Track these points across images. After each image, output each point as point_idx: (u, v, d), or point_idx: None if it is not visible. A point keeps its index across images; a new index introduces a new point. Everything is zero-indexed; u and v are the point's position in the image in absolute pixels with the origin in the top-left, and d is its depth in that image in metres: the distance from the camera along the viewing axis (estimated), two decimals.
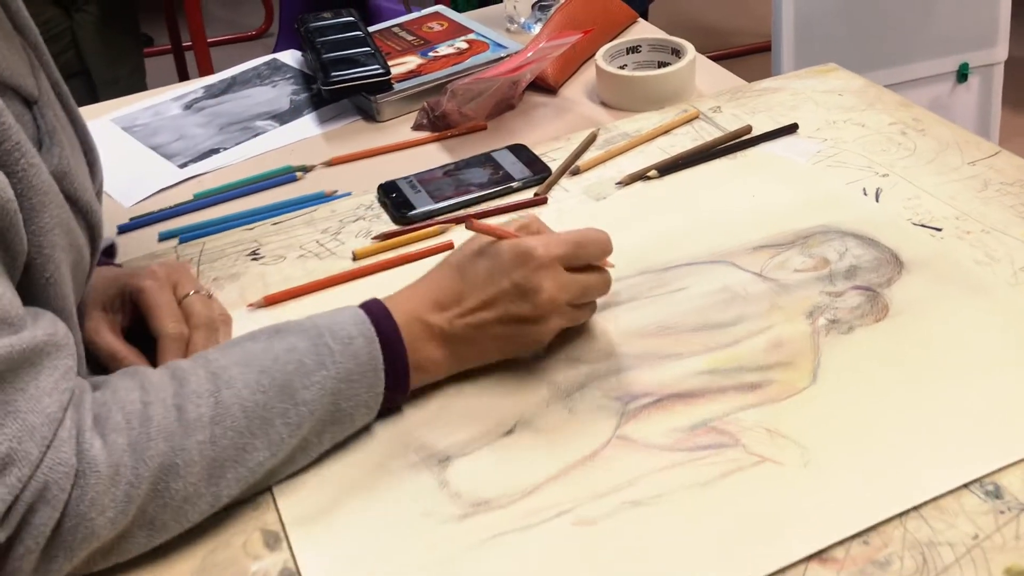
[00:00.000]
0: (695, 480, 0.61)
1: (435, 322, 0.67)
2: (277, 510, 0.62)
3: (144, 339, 0.73)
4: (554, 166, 0.95)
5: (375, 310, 0.66)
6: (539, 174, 0.93)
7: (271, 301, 0.81)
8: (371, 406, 0.65)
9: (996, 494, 0.59)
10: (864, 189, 0.87)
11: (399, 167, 0.98)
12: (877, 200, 0.86)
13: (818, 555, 0.56)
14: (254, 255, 0.88)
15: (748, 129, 0.97)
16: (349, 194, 0.96)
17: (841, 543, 0.57)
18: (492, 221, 0.88)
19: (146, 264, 0.80)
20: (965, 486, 0.59)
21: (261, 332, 0.65)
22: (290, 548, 0.60)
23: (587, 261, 0.69)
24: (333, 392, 0.62)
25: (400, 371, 0.66)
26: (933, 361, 0.68)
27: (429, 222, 0.89)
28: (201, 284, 0.77)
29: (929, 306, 0.73)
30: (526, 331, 0.68)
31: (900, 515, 0.58)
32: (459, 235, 0.87)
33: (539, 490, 0.62)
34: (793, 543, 0.57)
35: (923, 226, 0.82)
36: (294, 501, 0.63)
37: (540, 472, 0.63)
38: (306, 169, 1.01)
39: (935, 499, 0.59)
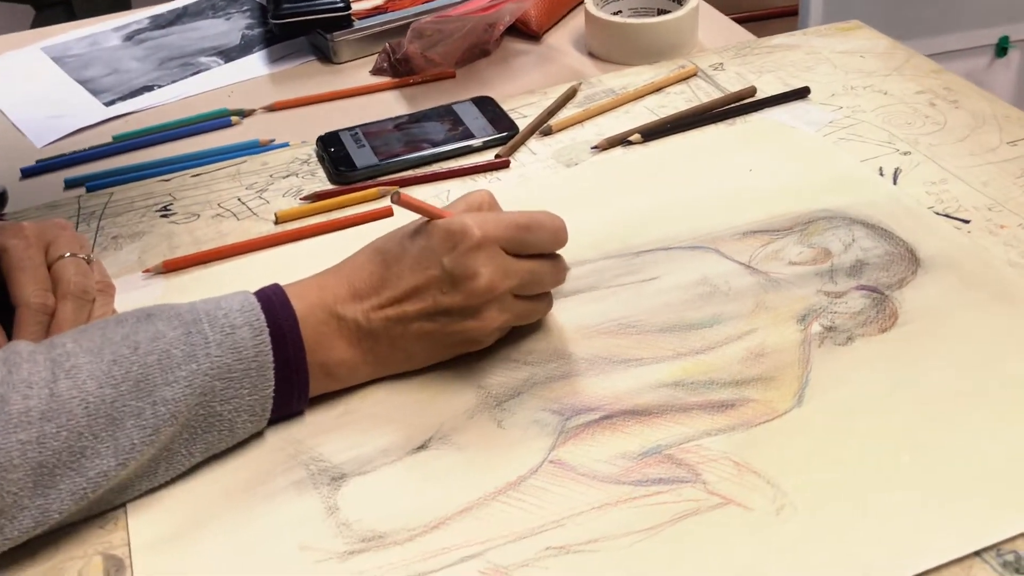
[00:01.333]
0: (638, 524, 0.49)
1: (347, 314, 0.55)
2: (127, 531, 0.51)
3: (8, 309, 0.62)
4: (524, 124, 0.82)
5: (272, 297, 0.55)
6: (504, 132, 0.81)
7: (170, 267, 0.69)
8: (257, 412, 0.53)
9: (1016, 567, 0.46)
10: (881, 168, 0.74)
11: (350, 117, 0.86)
12: (895, 182, 0.72)
13: None
14: (164, 211, 0.75)
15: (752, 91, 0.84)
16: (286, 145, 0.83)
17: None
18: (445, 186, 0.75)
19: (22, 219, 0.68)
20: (977, 554, 0.47)
21: (131, 314, 0.53)
22: None
23: (535, 250, 0.57)
24: (204, 391, 0.51)
25: (296, 370, 0.54)
26: (948, 387, 0.55)
27: (368, 183, 0.77)
28: (85, 246, 0.65)
29: (948, 316, 0.60)
30: (460, 327, 0.56)
31: None
32: None
33: (445, 525, 0.50)
34: None
35: (948, 216, 0.69)
36: (148, 520, 0.51)
37: (451, 501, 0.51)
38: (244, 114, 0.89)
39: (938, 568, 0.46)
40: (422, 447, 0.54)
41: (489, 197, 0.59)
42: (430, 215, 0.56)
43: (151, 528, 0.51)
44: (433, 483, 0.52)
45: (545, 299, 0.60)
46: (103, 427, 0.49)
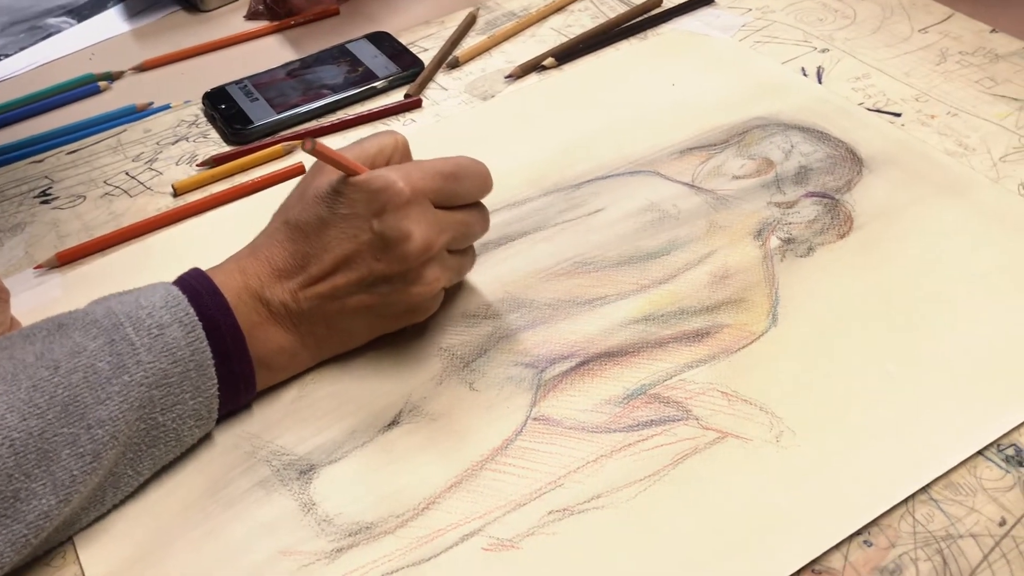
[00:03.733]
0: (639, 472, 0.47)
1: (275, 297, 0.49)
2: (79, 565, 0.45)
3: None
4: (427, 58, 0.77)
5: (196, 286, 0.48)
6: (409, 69, 0.75)
7: (65, 259, 0.61)
8: (203, 415, 0.48)
9: (1019, 460, 0.46)
10: (803, 68, 0.72)
11: (231, 69, 0.78)
12: (820, 81, 0.71)
13: (809, 567, 0.43)
14: (44, 196, 0.67)
15: (657, 2, 0.81)
16: (168, 107, 0.75)
17: (837, 547, 0.43)
18: (355, 135, 0.69)
19: None
20: (979, 452, 0.46)
21: (38, 327, 0.46)
22: None
23: (463, 200, 0.52)
24: (141, 403, 0.45)
25: (239, 361, 0.48)
26: (915, 287, 0.55)
27: (271, 139, 0.70)
28: None
29: (900, 214, 0.59)
30: (400, 295, 0.50)
31: (906, 500, 0.45)
32: (309, 156, 0.68)
33: (436, 504, 0.46)
34: (775, 555, 0.43)
35: (879, 111, 0.68)
36: (100, 550, 0.45)
37: (437, 478, 0.47)
38: (112, 77, 0.80)
39: (946, 474, 0.46)
40: (393, 423, 0.50)
41: (402, 140, 0.53)
42: (346, 169, 0.50)
43: (106, 558, 0.45)
44: (413, 461, 0.48)
45: (470, 253, 0.55)
46: (35, 464, 0.42)
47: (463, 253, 0.54)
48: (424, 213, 0.49)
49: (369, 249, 0.49)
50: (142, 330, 0.45)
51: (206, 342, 0.46)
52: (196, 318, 0.46)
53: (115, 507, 0.47)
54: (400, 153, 0.53)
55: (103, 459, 0.44)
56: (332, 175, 0.50)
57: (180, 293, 0.47)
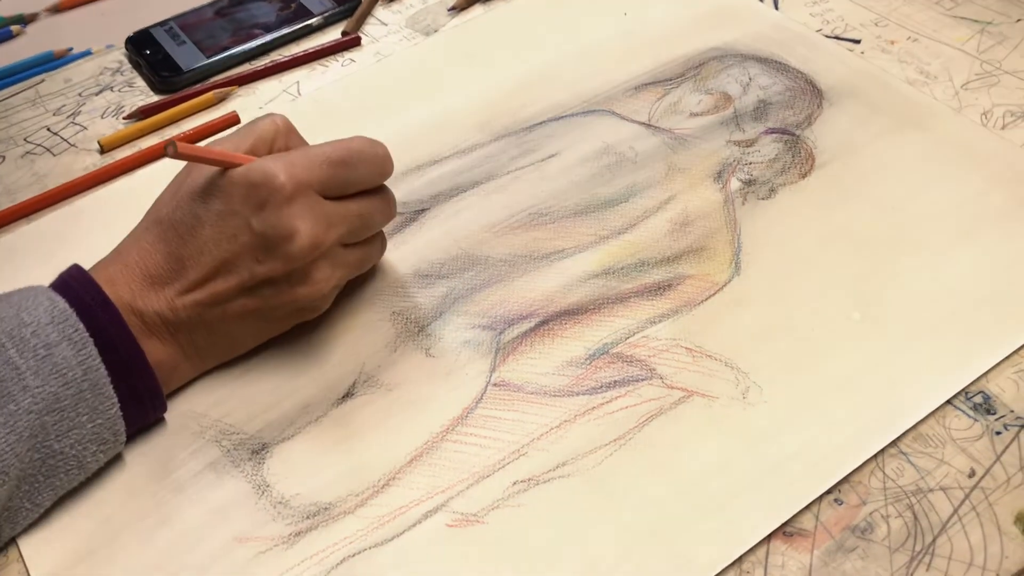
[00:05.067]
0: (604, 436, 0.45)
1: (149, 308, 0.45)
2: (23, 563, 0.43)
3: None
4: None
5: (81, 293, 0.43)
6: (345, 3, 0.71)
7: None
8: (106, 438, 0.43)
9: (987, 408, 0.45)
10: None
11: (155, 7, 0.73)
12: (776, 6, 0.68)
13: (781, 529, 0.42)
14: None
15: None
16: (88, 53, 0.70)
17: (808, 507, 0.42)
18: (292, 78, 0.65)
19: None
20: (948, 401, 0.46)
21: None
22: None
23: (357, 187, 0.47)
24: (32, 433, 0.40)
25: (141, 377, 0.44)
26: (878, 228, 0.53)
27: (202, 86, 0.66)
28: None
29: (862, 149, 0.58)
30: (286, 297, 0.46)
31: (876, 455, 0.44)
32: (244, 103, 0.65)
33: (396, 480, 0.45)
34: (746, 519, 0.42)
35: (838, 38, 0.65)
36: (45, 547, 0.43)
37: (395, 451, 0.46)
38: (25, 20, 0.74)
39: (915, 425, 0.45)
40: (347, 395, 0.48)
41: (285, 124, 0.48)
42: (221, 163, 0.45)
43: (51, 554, 0.43)
44: (370, 435, 0.46)
45: (378, 240, 0.51)
46: None
47: (366, 243, 0.49)
48: (310, 207, 0.44)
49: (249, 250, 0.44)
50: (27, 351, 0.41)
51: (100, 360, 0.42)
52: (87, 334, 0.42)
53: (41, 515, 0.43)
54: (284, 137, 0.48)
55: None
56: (208, 169, 0.45)
57: (67, 306, 0.42)
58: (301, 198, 0.44)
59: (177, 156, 0.43)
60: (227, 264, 0.45)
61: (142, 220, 0.47)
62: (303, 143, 0.49)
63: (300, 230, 0.44)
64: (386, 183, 0.49)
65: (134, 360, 0.43)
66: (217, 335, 0.47)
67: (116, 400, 0.43)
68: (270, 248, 0.44)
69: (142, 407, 0.45)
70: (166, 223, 0.46)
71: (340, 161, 0.46)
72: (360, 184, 0.47)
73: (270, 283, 0.45)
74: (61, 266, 0.55)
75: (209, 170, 0.45)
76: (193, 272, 0.45)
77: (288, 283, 0.45)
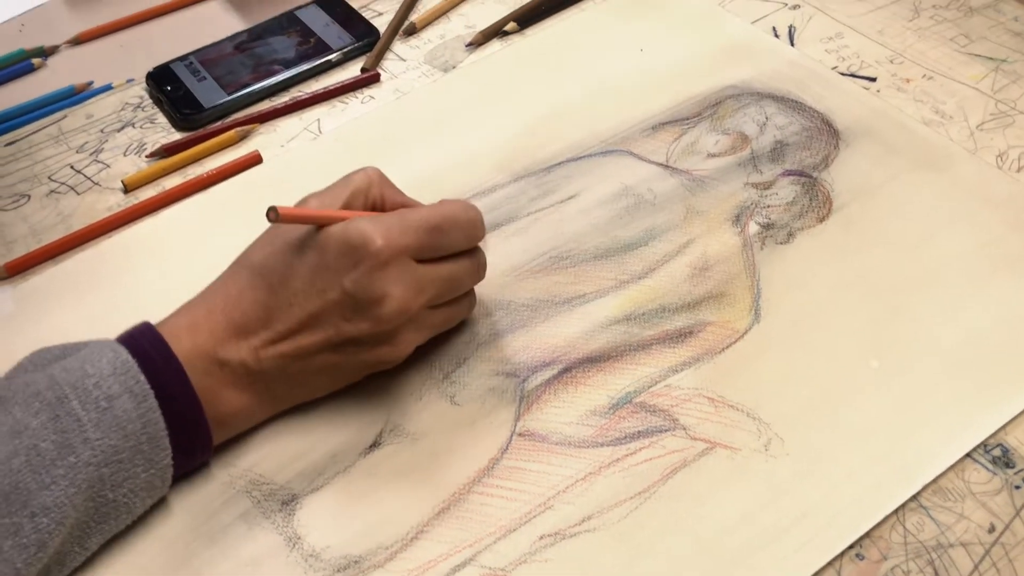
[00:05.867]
0: (629, 489, 0.46)
1: (232, 357, 0.46)
2: None
3: None
4: (381, 23, 0.73)
5: (147, 346, 0.44)
6: (364, 39, 0.71)
7: (14, 269, 0.58)
8: (156, 485, 0.44)
9: (1006, 461, 0.46)
10: (775, 28, 0.70)
11: (174, 40, 0.74)
12: (792, 43, 0.69)
13: None
14: None
15: None
16: (109, 87, 0.71)
17: (830, 562, 0.43)
18: (313, 115, 0.66)
19: None
20: (967, 454, 0.46)
21: None
22: None
23: (449, 251, 0.48)
24: (90, 484, 0.41)
25: (195, 430, 0.45)
26: (896, 273, 0.54)
27: (223, 123, 0.66)
28: None
29: (878, 192, 0.58)
30: (369, 355, 0.47)
31: (897, 508, 0.45)
32: (266, 140, 0.65)
33: (425, 533, 0.45)
34: (770, 574, 0.43)
35: (853, 76, 0.66)
36: None
37: (423, 503, 0.46)
38: (45, 53, 0.75)
39: (935, 478, 0.46)
40: (375, 445, 0.49)
41: (378, 176, 0.49)
42: (323, 222, 0.46)
43: None
44: (398, 486, 0.47)
45: (467, 299, 0.51)
46: None
47: (453, 303, 0.50)
48: (403, 272, 0.45)
49: (338, 308, 0.45)
50: (89, 403, 0.42)
51: (159, 413, 0.43)
52: (148, 387, 0.43)
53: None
54: (378, 187, 0.49)
55: (48, 547, 0.40)
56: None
57: (129, 358, 0.43)
58: (395, 263, 0.45)
59: (280, 220, 0.44)
60: (315, 319, 0.45)
61: (232, 264, 0.48)
62: (397, 192, 0.50)
63: (391, 294, 0.45)
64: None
65: (192, 415, 0.44)
66: (295, 384, 0.48)
67: (170, 451, 0.44)
68: (360, 308, 0.45)
69: (191, 458, 0.46)
70: (256, 270, 0.46)
71: (435, 227, 0.47)
72: (452, 248, 0.48)
73: (354, 342, 0.46)
74: (87, 308, 0.56)
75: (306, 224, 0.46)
76: (280, 324, 0.46)
77: (372, 343, 0.46)
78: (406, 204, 0.50)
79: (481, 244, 0.50)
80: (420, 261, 0.47)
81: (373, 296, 0.45)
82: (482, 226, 0.49)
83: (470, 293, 0.52)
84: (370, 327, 0.45)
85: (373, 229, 0.45)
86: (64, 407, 0.41)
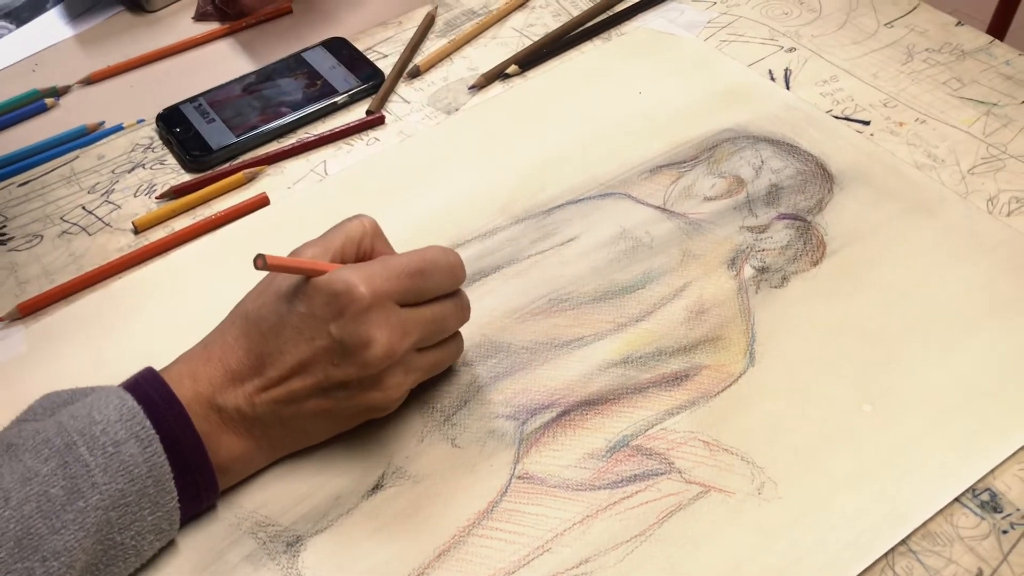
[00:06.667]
0: (625, 532, 0.47)
1: (228, 403, 0.47)
2: None
3: None
4: (386, 65, 0.75)
5: (151, 392, 0.46)
6: (369, 81, 0.73)
7: (27, 310, 0.59)
8: (163, 528, 0.46)
9: (993, 506, 0.47)
10: (771, 72, 0.71)
11: (183, 80, 0.76)
12: (788, 86, 0.70)
13: None
14: None
15: None
16: (120, 127, 0.72)
17: None
18: (319, 157, 0.67)
19: None
20: (955, 499, 0.47)
21: None
22: None
23: (431, 295, 0.49)
24: (99, 527, 0.43)
25: (200, 473, 0.46)
26: (889, 318, 0.55)
27: (231, 165, 0.68)
28: None
29: (871, 236, 0.59)
30: (360, 399, 0.48)
31: (886, 554, 0.46)
32: (273, 182, 0.67)
33: (426, 575, 0.47)
34: None
35: (848, 119, 0.67)
36: None
37: (424, 546, 0.47)
38: (58, 93, 0.77)
39: (923, 523, 0.47)
40: (377, 487, 0.50)
41: (372, 227, 0.51)
42: (308, 272, 0.47)
43: None
44: (399, 528, 0.48)
45: (453, 343, 0.52)
46: None
47: (440, 346, 0.51)
48: (387, 316, 0.47)
49: (327, 354, 0.47)
50: (96, 449, 0.43)
51: (164, 457, 0.44)
52: (153, 431, 0.44)
53: None
54: (370, 238, 0.51)
55: None
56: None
57: (135, 404, 0.45)
58: (379, 308, 0.47)
59: (267, 268, 0.45)
60: (305, 365, 0.47)
61: (229, 314, 0.50)
62: (387, 246, 0.52)
63: (376, 339, 0.46)
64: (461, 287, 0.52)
65: (196, 459, 0.46)
66: (290, 429, 0.49)
67: (176, 494, 0.45)
68: (347, 354, 0.47)
69: (198, 500, 0.47)
70: (251, 320, 0.48)
71: (417, 271, 0.48)
72: (434, 291, 0.49)
73: (344, 386, 0.48)
74: (97, 349, 0.58)
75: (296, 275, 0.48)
76: (272, 370, 0.47)
77: (361, 387, 0.48)
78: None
79: (480, 284, 0.51)
80: (404, 306, 0.48)
81: (359, 341, 0.46)
82: (462, 269, 0.51)
83: (457, 337, 0.53)
84: (357, 371, 0.47)
85: (356, 277, 0.46)
86: (72, 453, 0.43)
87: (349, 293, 0.46)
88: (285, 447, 0.50)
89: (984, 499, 0.47)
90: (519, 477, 0.50)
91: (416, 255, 0.49)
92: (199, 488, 0.47)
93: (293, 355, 0.47)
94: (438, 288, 0.50)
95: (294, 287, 0.48)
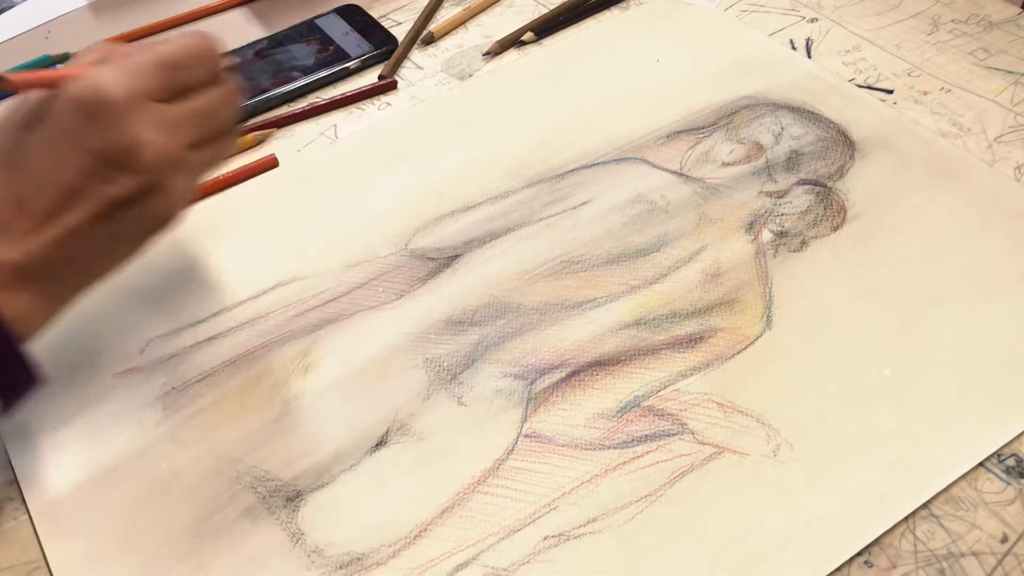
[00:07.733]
0: (635, 492, 0.46)
1: (2, 258, 0.41)
2: None
3: None
4: (400, 32, 0.74)
5: None
6: (382, 47, 0.72)
7: None
8: None
9: (1020, 471, 0.45)
10: (792, 41, 0.70)
11: None
12: (809, 55, 0.69)
13: None
14: None
15: None
16: None
17: (838, 569, 0.43)
18: (330, 120, 0.66)
19: None
20: (980, 463, 0.46)
21: None
22: None
23: (191, 85, 0.44)
24: None
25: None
26: (910, 283, 0.53)
27: (241, 127, 0.67)
28: None
29: (894, 202, 0.58)
30: (144, 214, 0.43)
31: (907, 516, 0.44)
32: (282, 144, 0.66)
33: (428, 532, 0.45)
34: None
35: (870, 88, 0.65)
36: None
37: (427, 502, 0.46)
38: (70, 58, 0.76)
39: (946, 487, 0.45)
40: (380, 444, 0.49)
41: (114, 44, 0.45)
42: (50, 84, 0.41)
43: None
44: (402, 484, 0.47)
45: (231, 133, 0.48)
46: None
47: (216, 141, 0.46)
48: (150, 116, 0.41)
49: (93, 171, 0.41)
50: None
51: None
52: None
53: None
54: (111, 51, 0.44)
55: None
56: (33, 92, 0.42)
57: None
58: (138, 108, 0.41)
59: (11, 88, 0.41)
60: (73, 192, 0.41)
61: None
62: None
63: (145, 140, 0.41)
64: (238, 80, 0.47)
65: None
66: (78, 271, 0.44)
67: None
68: (116, 164, 0.41)
69: (14, 386, 0.43)
70: None
71: (171, 63, 0.43)
72: (194, 82, 0.44)
73: (123, 202, 0.42)
74: (108, 302, 0.56)
75: (37, 99, 0.42)
76: (37, 207, 0.41)
77: (142, 200, 0.43)
78: None
79: (490, 246, 0.50)
80: (167, 103, 0.43)
81: (126, 146, 0.41)
82: (216, 47, 0.46)
83: (232, 130, 0.48)
84: (136, 182, 0.42)
85: (103, 78, 0.41)
86: None
87: (98, 95, 0.40)
88: (77, 289, 0.45)
89: (1010, 464, 0.45)
90: (527, 436, 0.48)
91: (166, 46, 0.44)
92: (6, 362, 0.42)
93: (56, 185, 0.41)
94: (199, 77, 0.44)
95: (33, 108, 0.42)
